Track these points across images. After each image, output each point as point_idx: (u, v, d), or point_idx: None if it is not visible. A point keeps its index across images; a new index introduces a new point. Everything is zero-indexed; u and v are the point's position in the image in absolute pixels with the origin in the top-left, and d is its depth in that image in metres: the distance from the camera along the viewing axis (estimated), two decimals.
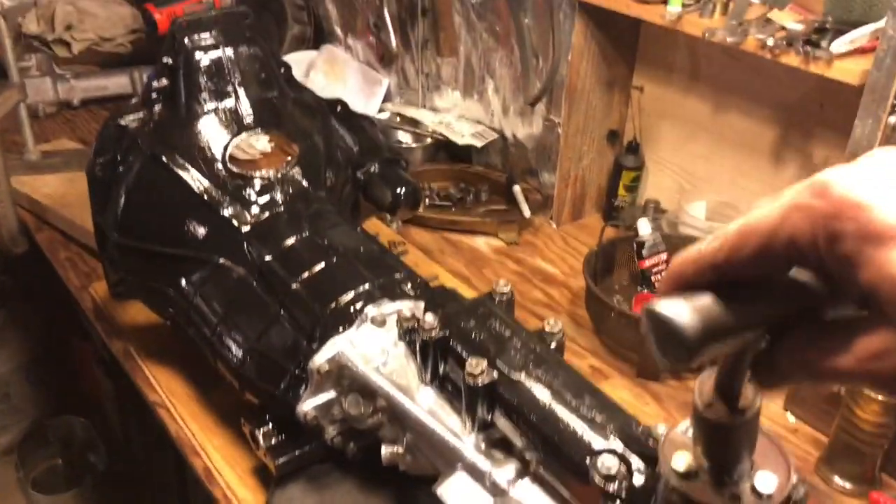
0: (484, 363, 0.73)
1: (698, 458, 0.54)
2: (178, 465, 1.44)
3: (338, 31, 2.13)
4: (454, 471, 0.77)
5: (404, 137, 1.87)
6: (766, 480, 0.52)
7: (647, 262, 1.38)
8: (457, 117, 1.86)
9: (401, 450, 0.86)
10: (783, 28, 1.14)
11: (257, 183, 1.06)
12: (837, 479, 1.04)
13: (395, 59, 1.94)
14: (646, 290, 1.38)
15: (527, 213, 1.63)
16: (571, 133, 1.59)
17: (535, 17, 1.57)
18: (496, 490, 0.73)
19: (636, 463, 0.63)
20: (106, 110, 2.09)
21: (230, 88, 1.08)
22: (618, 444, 0.64)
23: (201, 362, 1.10)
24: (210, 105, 1.07)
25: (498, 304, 0.85)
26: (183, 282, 1.05)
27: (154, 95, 1.09)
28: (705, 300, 0.36)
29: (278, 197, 1.05)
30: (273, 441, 0.94)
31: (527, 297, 1.45)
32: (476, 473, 0.75)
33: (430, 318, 0.79)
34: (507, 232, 1.63)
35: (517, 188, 1.67)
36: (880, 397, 0.97)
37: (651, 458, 0.63)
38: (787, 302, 0.38)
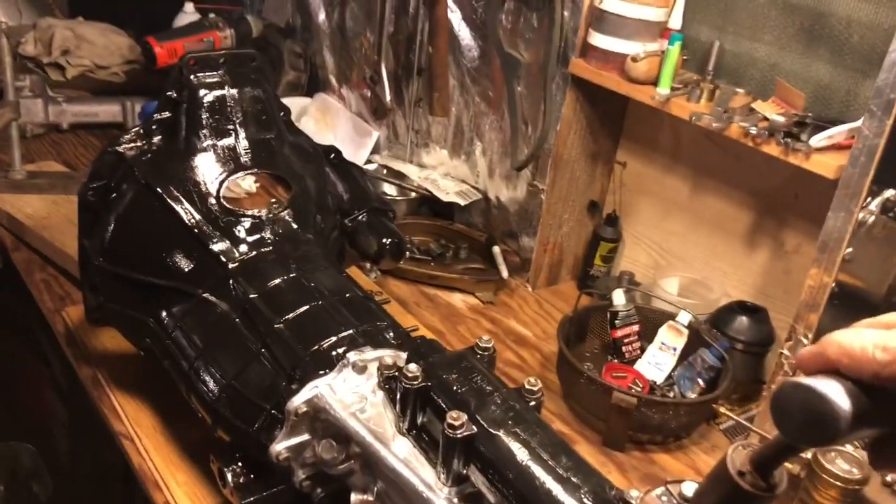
0: (464, 416, 0.74)
1: None
2: (126, 498, 1.41)
3: (333, 80, 2.17)
4: None
5: (389, 190, 1.90)
6: None
7: (619, 333, 1.40)
8: (442, 175, 1.90)
9: (371, 498, 0.86)
10: (765, 118, 1.20)
11: (248, 221, 1.07)
12: None
13: (387, 114, 1.98)
14: (616, 360, 1.40)
15: (504, 274, 1.66)
16: (554, 200, 1.63)
17: (528, 85, 1.62)
18: None
19: None
20: (94, 136, 2.10)
21: (231, 127, 1.10)
22: None
23: (169, 395, 1.09)
24: (209, 141, 1.09)
25: (479, 359, 0.86)
26: (164, 313, 1.05)
27: (154, 127, 1.10)
28: (855, 389, 0.38)
29: (267, 236, 1.07)
30: (241, 480, 0.94)
31: (499, 358, 1.44)
32: None
33: (413, 368, 0.81)
34: (484, 291, 1.65)
35: (497, 249, 1.70)
36: (839, 483, 0.99)
37: None
38: None
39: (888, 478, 1.03)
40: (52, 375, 1.87)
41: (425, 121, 1.92)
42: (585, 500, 0.66)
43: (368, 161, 2.00)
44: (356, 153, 1.99)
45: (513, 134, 1.68)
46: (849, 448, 1.03)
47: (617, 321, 1.40)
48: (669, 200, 1.58)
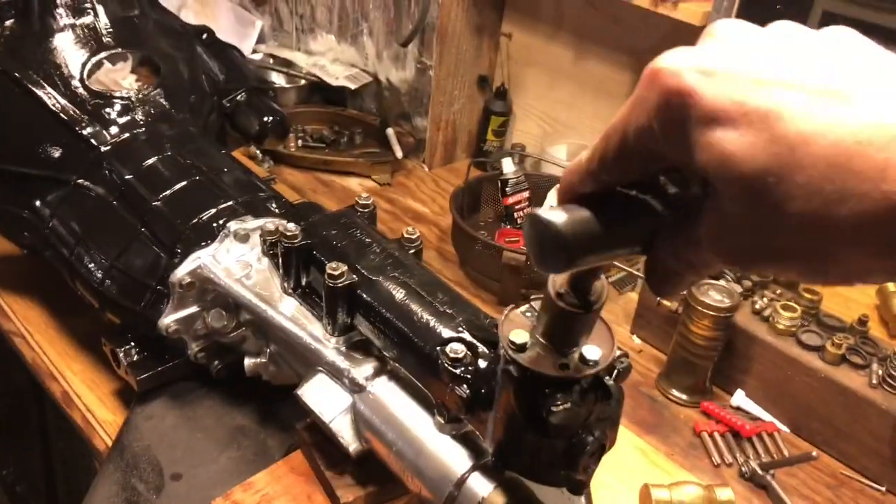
0: (344, 267, 0.76)
1: (534, 335, 0.59)
2: (38, 404, 1.40)
3: None
4: (316, 374, 0.80)
5: (277, 79, 1.86)
6: (592, 351, 0.57)
7: (511, 200, 1.44)
8: (331, 60, 1.86)
9: (264, 360, 0.88)
10: None
11: (117, 103, 1.03)
12: (674, 392, 1.13)
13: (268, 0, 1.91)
14: (509, 226, 1.44)
15: (399, 153, 1.66)
16: (443, 76, 1.62)
17: None
18: (355, 387, 0.76)
19: (482, 348, 0.67)
20: None
21: (88, 4, 1.05)
22: (465, 334, 0.68)
23: (60, 291, 1.07)
24: (66, 20, 1.04)
25: (360, 217, 0.87)
26: (38, 203, 1.02)
27: (4, 9, 1.04)
28: (583, 212, 0.36)
29: (139, 118, 1.04)
30: (135, 358, 0.94)
31: (397, 235, 1.48)
32: (336, 373, 0.78)
33: (291, 227, 0.81)
34: (380, 173, 1.66)
35: (390, 130, 1.70)
36: (711, 312, 1.06)
37: (496, 345, 0.67)
38: (655, 213, 0.37)
39: (756, 305, 1.11)
40: None
41: (309, 4, 1.86)
42: (460, 329, 0.69)
43: (254, 51, 1.94)
44: (241, 44, 1.92)
45: (396, 10, 1.65)
46: (721, 281, 1.10)
47: (507, 189, 1.43)
48: (555, 69, 1.59)
